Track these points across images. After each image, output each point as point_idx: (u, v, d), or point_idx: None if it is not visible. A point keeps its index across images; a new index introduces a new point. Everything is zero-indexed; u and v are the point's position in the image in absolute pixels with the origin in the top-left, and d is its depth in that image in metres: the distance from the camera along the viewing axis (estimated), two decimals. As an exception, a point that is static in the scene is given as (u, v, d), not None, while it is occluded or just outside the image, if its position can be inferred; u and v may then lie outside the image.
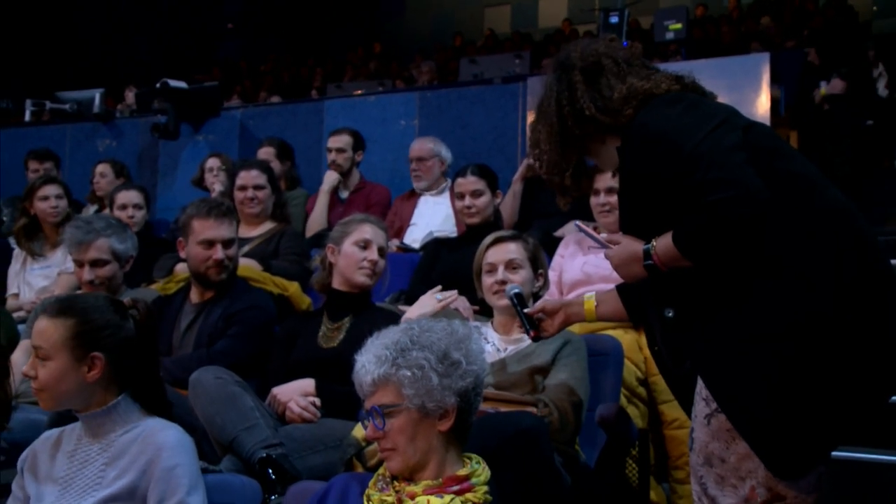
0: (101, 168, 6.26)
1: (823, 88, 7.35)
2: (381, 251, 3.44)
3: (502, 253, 3.17)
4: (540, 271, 3.23)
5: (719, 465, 2.05)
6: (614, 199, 3.97)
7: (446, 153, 5.40)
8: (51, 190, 4.98)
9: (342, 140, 5.60)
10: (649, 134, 2.13)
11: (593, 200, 4.11)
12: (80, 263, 3.73)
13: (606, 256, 2.26)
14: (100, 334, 2.34)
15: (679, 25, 6.60)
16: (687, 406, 2.20)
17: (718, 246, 1.97)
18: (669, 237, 2.04)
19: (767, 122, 5.37)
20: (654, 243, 2.08)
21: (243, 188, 4.66)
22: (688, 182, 1.99)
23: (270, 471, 2.78)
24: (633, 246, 2.15)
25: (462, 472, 2.11)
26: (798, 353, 1.91)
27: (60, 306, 2.35)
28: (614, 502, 2.97)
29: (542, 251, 3.32)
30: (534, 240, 3.29)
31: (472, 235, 4.25)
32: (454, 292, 3.29)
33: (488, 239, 3.25)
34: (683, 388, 2.21)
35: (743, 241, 1.95)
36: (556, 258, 4.10)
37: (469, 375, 2.11)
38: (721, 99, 5.67)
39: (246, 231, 4.62)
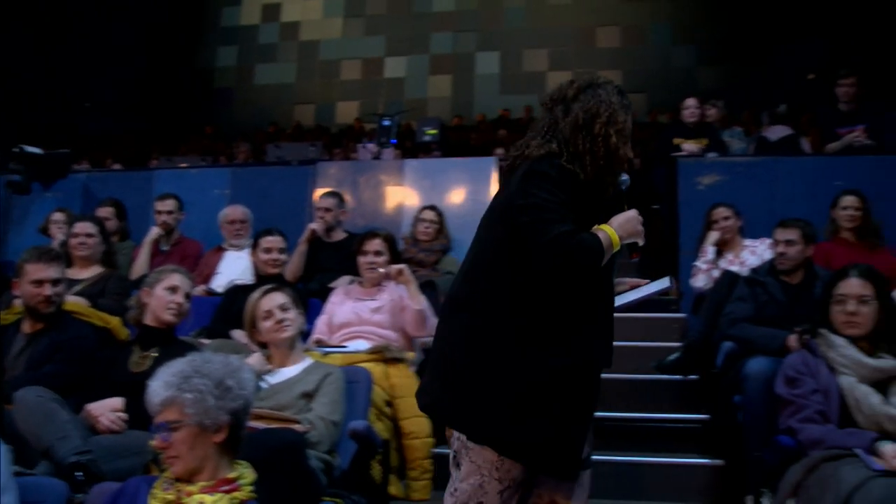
0: (-42, 217, 5.79)
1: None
2: (187, 296, 3.34)
3: (273, 300, 3.16)
4: (301, 311, 3.22)
5: None
6: (381, 259, 4.05)
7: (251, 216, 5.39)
8: None
9: (170, 204, 5.43)
10: None
11: (362, 259, 4.13)
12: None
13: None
14: None
15: (434, 131, 6.80)
16: None
17: None
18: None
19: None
20: None
21: (76, 235, 4.55)
22: None
23: (81, 473, 2.63)
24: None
25: (232, 475, 2.08)
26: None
27: None
28: (363, 495, 2.98)
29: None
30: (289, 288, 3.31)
31: (264, 282, 4.19)
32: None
33: (256, 293, 3.23)
34: None
35: None
36: (328, 304, 4.09)
37: (240, 399, 2.08)
38: (461, 187, 5.82)
39: (78, 273, 4.42)
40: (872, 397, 2.66)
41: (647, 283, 2.39)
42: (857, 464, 2.42)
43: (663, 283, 2.30)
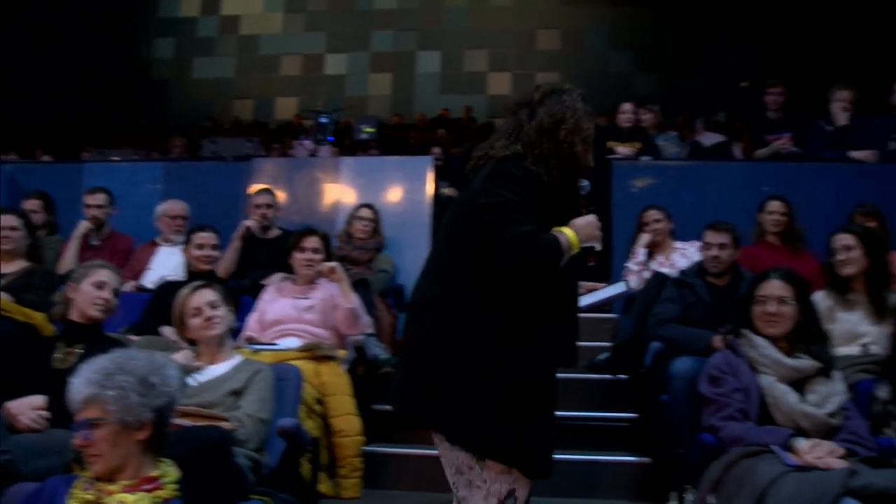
0: None
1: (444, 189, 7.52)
2: (115, 292, 3.26)
3: (202, 297, 3.11)
4: (231, 307, 3.19)
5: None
6: (318, 257, 4.03)
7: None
8: None
9: (100, 198, 5.32)
10: None
11: (299, 256, 4.10)
12: None
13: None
14: None
15: (372, 129, 6.80)
16: None
17: None
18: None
19: (430, 207, 5.67)
20: None
21: None
22: None
23: (-4, 474, 2.55)
24: None
25: (154, 473, 2.05)
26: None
27: None
28: (291, 493, 2.96)
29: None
30: (218, 285, 3.26)
31: (196, 279, 4.12)
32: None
33: (185, 290, 3.17)
34: None
35: None
36: (260, 301, 4.05)
37: (164, 396, 2.06)
38: (396, 186, 5.82)
39: (1, 267, 4.25)
40: (790, 396, 2.75)
41: (603, 287, 2.41)
42: (772, 460, 2.50)
43: (619, 287, 2.30)
